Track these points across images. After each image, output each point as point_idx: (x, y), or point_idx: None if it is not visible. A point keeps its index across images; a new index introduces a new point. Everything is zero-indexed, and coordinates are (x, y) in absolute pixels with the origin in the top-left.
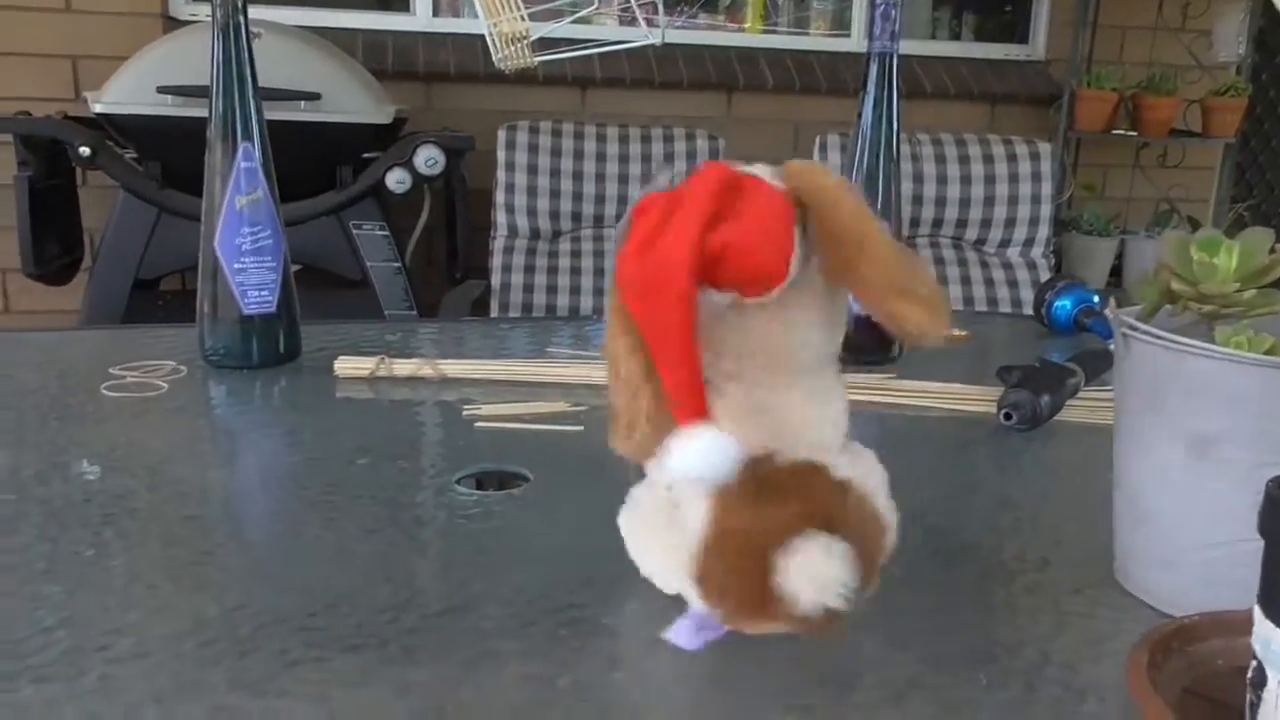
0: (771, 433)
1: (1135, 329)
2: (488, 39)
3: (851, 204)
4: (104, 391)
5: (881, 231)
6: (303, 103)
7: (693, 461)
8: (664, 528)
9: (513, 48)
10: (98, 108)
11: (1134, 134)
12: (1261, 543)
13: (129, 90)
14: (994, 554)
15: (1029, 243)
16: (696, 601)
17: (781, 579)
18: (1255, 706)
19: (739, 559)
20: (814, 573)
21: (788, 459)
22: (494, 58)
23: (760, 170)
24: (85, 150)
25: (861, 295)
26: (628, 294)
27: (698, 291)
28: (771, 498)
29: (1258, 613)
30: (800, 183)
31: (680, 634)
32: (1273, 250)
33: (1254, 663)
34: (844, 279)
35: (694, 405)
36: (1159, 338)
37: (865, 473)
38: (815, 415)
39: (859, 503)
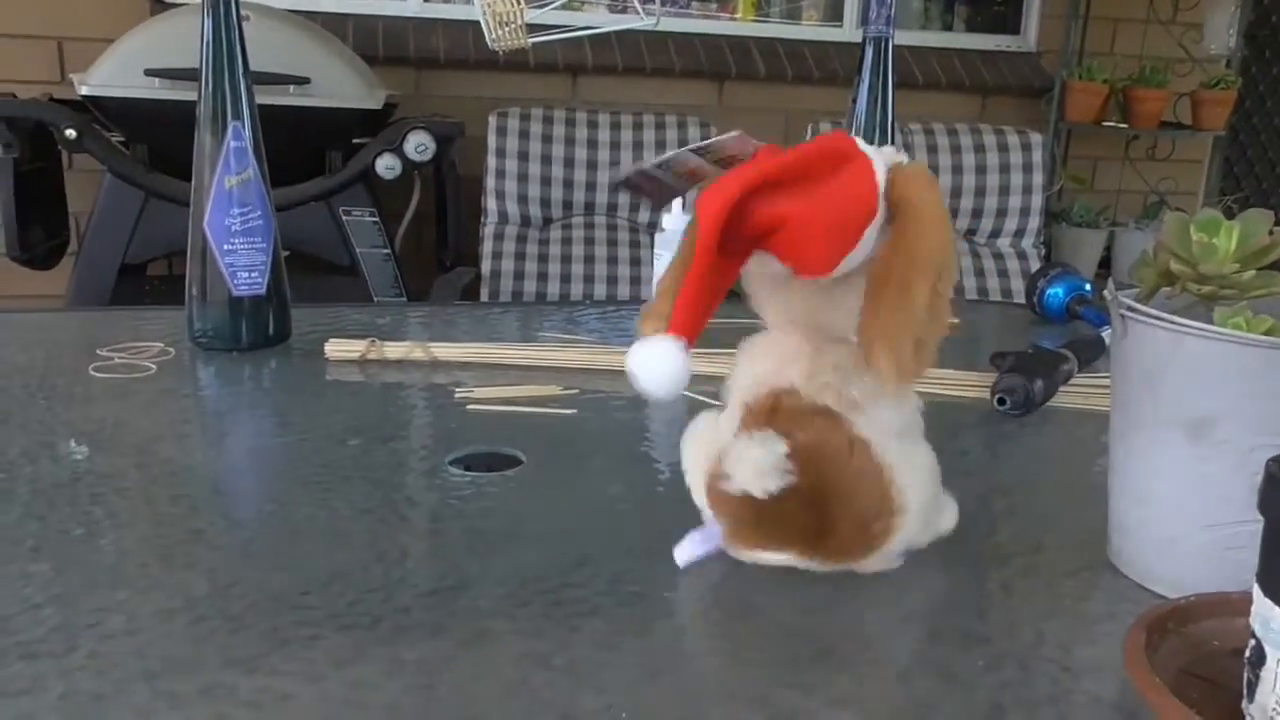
0: (802, 377)
1: (1134, 310)
2: (481, 20)
3: (926, 246)
4: (92, 372)
5: (928, 283)
6: (292, 87)
7: (637, 367)
8: (705, 442)
9: (506, 29)
10: (84, 90)
11: (1124, 126)
12: (1258, 524)
13: (116, 73)
14: (988, 537)
15: (1019, 233)
16: (706, 511)
17: (723, 460)
18: (1254, 685)
19: None
20: (745, 455)
21: (808, 399)
22: (487, 39)
23: (877, 156)
24: (71, 133)
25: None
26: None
27: (751, 250)
28: (772, 422)
29: (1257, 591)
30: (902, 205)
31: (682, 546)
32: (1271, 232)
33: (1252, 642)
34: (869, 292)
35: (677, 320)
36: (1158, 318)
37: (899, 448)
38: (836, 373)
39: (860, 455)
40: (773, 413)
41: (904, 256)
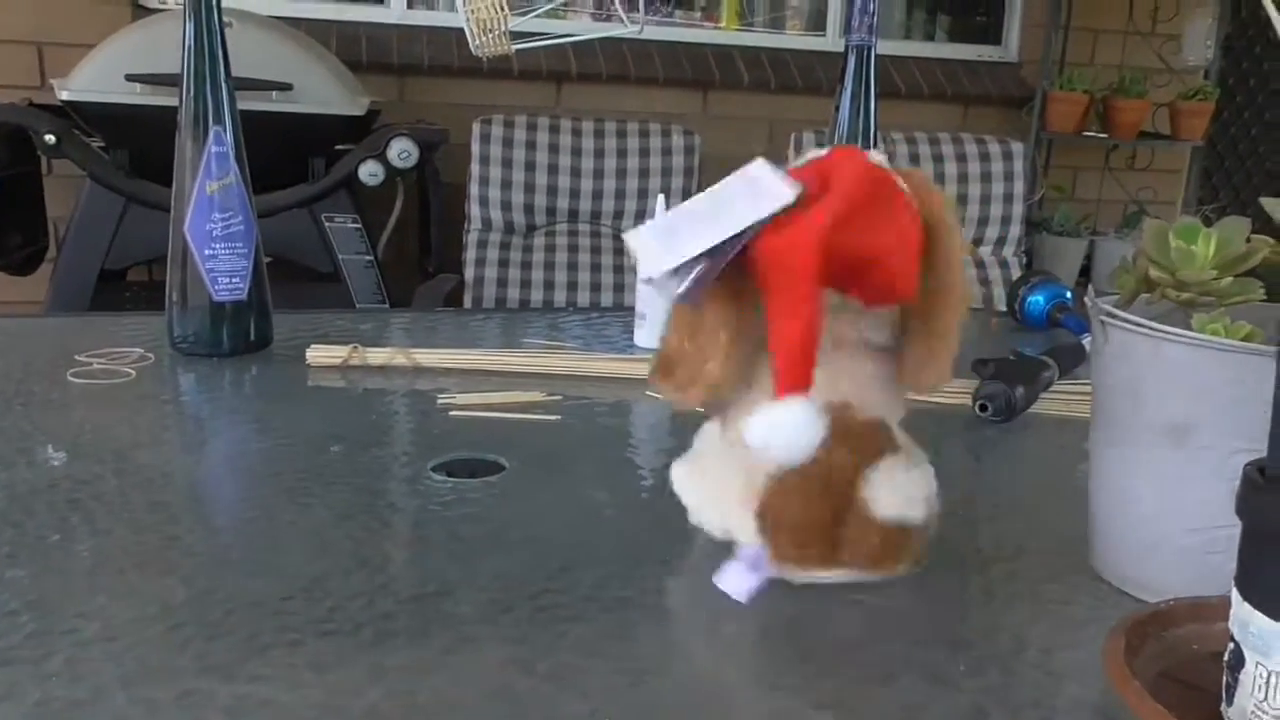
0: (850, 392)
1: (1114, 317)
2: (464, 26)
3: (955, 248)
4: (70, 378)
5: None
6: (274, 93)
7: (775, 435)
8: (724, 468)
9: (490, 35)
10: (64, 95)
11: (1104, 136)
12: (1236, 529)
13: (97, 78)
14: (970, 543)
15: (1000, 241)
16: (751, 539)
17: (865, 489)
18: (1232, 689)
19: (810, 494)
20: (895, 483)
21: (863, 414)
22: (471, 45)
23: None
24: (51, 138)
25: (916, 337)
26: (764, 263)
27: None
28: (849, 441)
29: (1235, 596)
30: (926, 213)
31: (728, 578)
32: (1249, 239)
33: (1231, 645)
34: (924, 317)
35: (797, 378)
36: (1137, 325)
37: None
38: (879, 391)
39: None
40: (845, 433)
41: (937, 285)
